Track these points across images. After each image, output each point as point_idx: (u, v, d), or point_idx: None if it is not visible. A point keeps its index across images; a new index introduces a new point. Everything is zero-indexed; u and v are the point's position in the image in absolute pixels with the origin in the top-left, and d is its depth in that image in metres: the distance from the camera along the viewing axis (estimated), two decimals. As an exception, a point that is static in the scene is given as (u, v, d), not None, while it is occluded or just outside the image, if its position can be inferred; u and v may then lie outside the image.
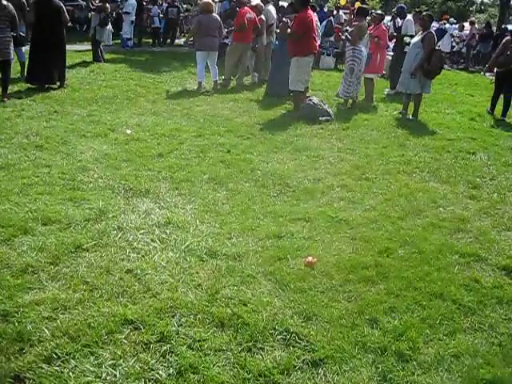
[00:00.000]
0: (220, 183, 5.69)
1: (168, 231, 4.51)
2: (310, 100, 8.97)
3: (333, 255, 4.25)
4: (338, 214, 5.05)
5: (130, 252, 4.14)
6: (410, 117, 9.68)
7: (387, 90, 12.17)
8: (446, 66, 17.92)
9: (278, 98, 10.37)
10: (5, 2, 8.67)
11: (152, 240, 4.35)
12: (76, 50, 16.16)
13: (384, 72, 12.37)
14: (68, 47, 16.63)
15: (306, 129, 8.30)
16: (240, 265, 4.00)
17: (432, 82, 9.79)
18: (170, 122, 8.25)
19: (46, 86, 10.24)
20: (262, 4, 12.11)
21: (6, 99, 8.90)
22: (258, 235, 4.51)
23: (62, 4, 10.35)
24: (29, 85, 10.30)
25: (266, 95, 10.96)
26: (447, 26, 21.58)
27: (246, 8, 11.56)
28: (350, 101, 10.26)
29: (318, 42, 12.97)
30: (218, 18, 11.50)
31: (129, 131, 7.52)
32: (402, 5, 15.36)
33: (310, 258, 4.07)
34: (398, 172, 6.60)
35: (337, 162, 6.76)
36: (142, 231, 4.49)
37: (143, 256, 4.09)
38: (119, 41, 19.00)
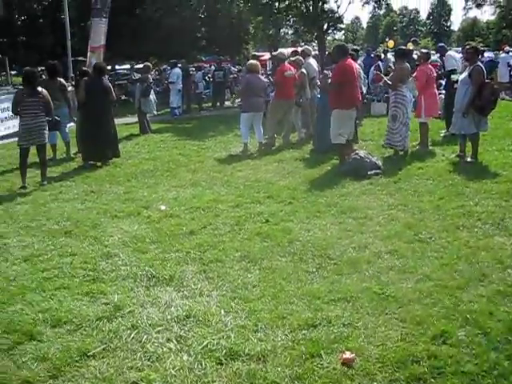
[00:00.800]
0: (253, 261, 5.12)
1: (187, 327, 3.97)
2: (357, 154, 8.37)
3: (376, 346, 3.56)
4: (385, 289, 4.36)
5: (140, 357, 3.61)
6: (469, 159, 8.86)
7: (443, 131, 11.39)
8: (506, 97, 16.99)
9: (325, 154, 9.83)
10: (39, 89, 8.70)
11: (168, 339, 3.82)
12: (125, 123, 16.37)
13: (440, 112, 11.67)
14: (119, 120, 17.02)
15: (354, 186, 7.67)
16: (264, 368, 3.38)
17: (489, 118, 9.01)
18: (208, 193, 7.83)
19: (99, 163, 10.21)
20: (301, 58, 11.78)
21: (45, 182, 8.81)
22: (290, 325, 3.88)
23: (109, 84, 10.45)
24: (74, 165, 10.31)
25: (313, 152, 10.47)
26: (502, 55, 20.62)
27: (285, 64, 11.25)
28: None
29: (365, 90, 12.47)
30: (264, 78, 11.27)
31: (163, 207, 7.14)
32: (442, 44, 14.79)
33: (347, 354, 3.40)
34: (457, 227, 5.83)
35: (386, 223, 6.07)
36: (159, 328, 3.96)
37: (154, 362, 3.55)
38: (169, 110, 19.18)
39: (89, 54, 18.78)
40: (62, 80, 11.11)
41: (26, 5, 31.95)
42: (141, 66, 18.43)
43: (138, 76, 15.33)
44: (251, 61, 11.61)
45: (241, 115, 11.04)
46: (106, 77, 11.02)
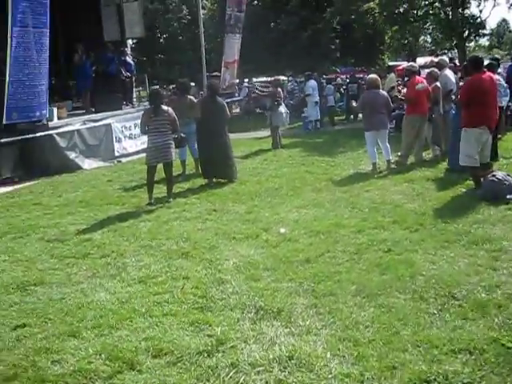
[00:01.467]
0: (369, 297, 4.72)
1: (288, 369, 3.68)
2: (494, 176, 7.61)
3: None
4: (517, 342, 3.80)
5: (236, 401, 3.40)
6: None
7: None
8: None
9: (460, 174, 9.09)
10: (164, 108, 8.89)
11: (266, 382, 3.57)
12: (257, 137, 16.51)
13: None
14: (250, 134, 17.19)
15: (489, 212, 6.95)
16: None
17: None
18: (331, 215, 7.50)
19: (215, 180, 10.29)
20: (436, 70, 11.08)
21: (171, 200, 8.99)
22: (400, 379, 3.47)
23: (224, 102, 10.53)
24: (201, 181, 10.46)
25: (447, 171, 9.76)
26: None
27: (417, 77, 10.65)
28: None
29: (505, 102, 11.46)
30: (385, 93, 10.75)
31: (282, 230, 6.92)
32: None
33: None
34: None
35: (526, 258, 5.39)
36: (259, 369, 3.72)
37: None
38: (301, 123, 19.11)
39: (223, 69, 19.25)
40: (191, 97, 11.35)
41: (167, 24, 33.72)
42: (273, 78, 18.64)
43: (268, 91, 15.36)
44: (371, 75, 11.15)
45: (364, 134, 10.61)
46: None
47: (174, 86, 18.86)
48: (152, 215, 8.21)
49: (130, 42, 34.67)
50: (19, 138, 11.79)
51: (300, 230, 6.86)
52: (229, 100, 20.23)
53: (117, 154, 14.63)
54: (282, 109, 14.67)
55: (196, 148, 11.37)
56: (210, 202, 8.88)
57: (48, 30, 11.66)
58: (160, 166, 9.14)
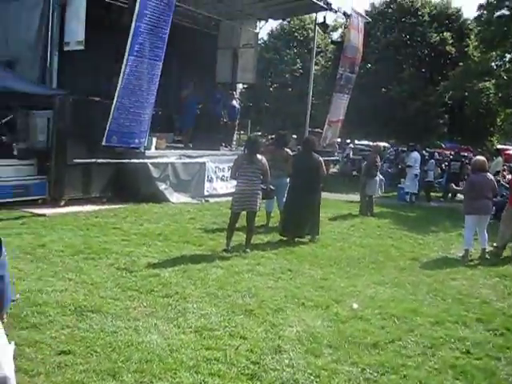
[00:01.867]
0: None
1: None
2: None
3: None
4: None
5: None
6: None
7: None
8: None
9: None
10: (259, 156, 8.75)
11: None
12: (349, 200, 16.13)
13: None
14: (342, 196, 16.85)
15: None
16: None
17: None
18: (410, 299, 6.95)
19: (296, 239, 10.00)
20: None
21: (248, 250, 8.75)
22: None
23: (321, 158, 10.26)
24: (277, 236, 10.20)
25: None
26: None
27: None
28: None
29: None
30: (493, 178, 10.12)
31: (355, 305, 6.46)
32: None
33: None
34: None
35: None
36: None
37: None
38: (396, 193, 18.55)
39: (326, 126, 19.13)
40: (288, 150, 11.21)
41: (279, 74, 34.31)
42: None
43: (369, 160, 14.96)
44: (479, 157, 10.54)
45: (465, 218, 9.97)
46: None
47: (272, 136, 18.86)
48: (225, 262, 7.99)
49: (240, 86, 35.85)
50: (115, 161, 12.03)
51: (374, 309, 6.37)
52: (327, 158, 20.01)
53: (206, 192, 14.69)
54: (377, 177, 14.23)
55: (284, 201, 11.16)
56: (286, 260, 8.56)
57: (161, 63, 11.98)
58: (243, 213, 8.97)
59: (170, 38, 17.10)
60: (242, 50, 20.43)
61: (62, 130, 11.65)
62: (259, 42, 39.06)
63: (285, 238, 10.05)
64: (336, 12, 18.45)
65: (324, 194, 17.08)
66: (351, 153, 26.51)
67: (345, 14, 18.62)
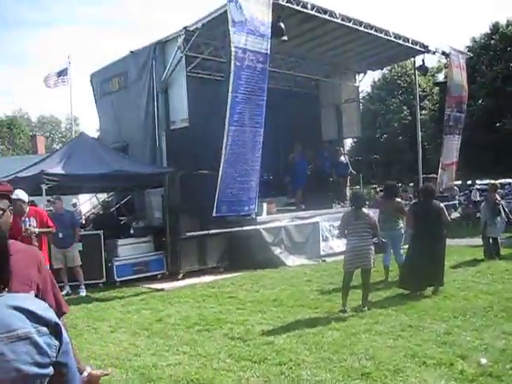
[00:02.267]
0: None
1: None
2: None
3: None
4: None
5: None
6: None
7: None
8: None
9: None
10: (365, 211, 8.54)
11: None
12: (471, 245, 15.20)
13: None
14: (462, 241, 15.91)
15: None
16: None
17: None
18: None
19: (418, 292, 9.46)
20: None
21: (365, 308, 8.38)
22: None
23: (442, 204, 9.78)
24: (400, 290, 9.70)
25: None
26: None
27: None
28: None
29: None
30: None
31: (484, 361, 5.86)
32: None
33: None
34: None
35: None
36: None
37: None
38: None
39: (440, 171, 18.44)
40: (398, 200, 10.84)
41: (387, 124, 33.85)
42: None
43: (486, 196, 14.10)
44: None
45: None
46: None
47: (381, 188, 18.45)
48: (342, 324, 7.67)
49: (350, 140, 35.88)
50: (227, 230, 12.23)
51: (505, 364, 5.75)
52: (446, 203, 19.16)
53: (322, 252, 14.49)
54: (499, 217, 13.29)
55: (402, 253, 10.68)
56: (407, 315, 8.06)
57: (262, 130, 12.19)
58: (358, 270, 8.66)
59: (274, 103, 17.65)
60: (345, 106, 20.45)
61: (173, 205, 12.10)
62: (362, 94, 39.44)
63: (406, 292, 9.54)
64: (434, 53, 18.04)
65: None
66: (472, 194, 25.21)
67: (443, 53, 18.16)
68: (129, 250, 11.96)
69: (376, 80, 37.78)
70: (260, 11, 11.79)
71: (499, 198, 13.75)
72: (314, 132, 20.58)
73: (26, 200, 8.26)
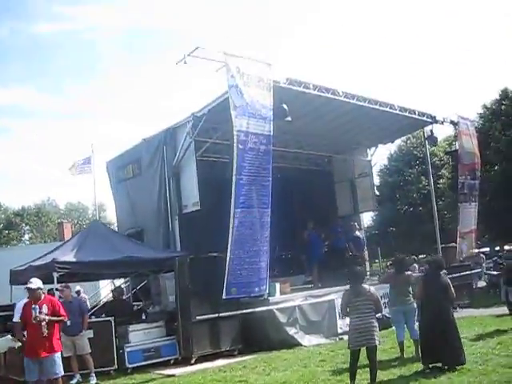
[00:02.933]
0: None
1: None
2: None
3: None
4: None
5: None
6: None
7: None
8: None
9: None
10: (366, 286, 8.41)
11: None
12: (496, 315, 14.75)
13: None
14: (487, 311, 15.43)
15: None
16: None
17: None
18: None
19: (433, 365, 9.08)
20: None
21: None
22: None
23: (449, 280, 9.62)
24: (418, 366, 9.35)
25: None
26: None
27: None
28: None
29: None
30: None
31: None
32: None
33: None
34: None
35: None
36: None
37: None
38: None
39: (458, 239, 18.22)
40: (409, 273, 10.69)
41: (406, 195, 33.78)
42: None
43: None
44: None
45: None
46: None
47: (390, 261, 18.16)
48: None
49: (371, 214, 35.72)
50: (238, 312, 12.12)
51: None
52: (469, 273, 18.78)
53: (340, 330, 14.08)
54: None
55: (416, 328, 10.40)
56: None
57: (269, 210, 12.28)
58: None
59: (288, 181, 17.90)
60: (359, 180, 20.57)
61: (183, 289, 12.03)
62: (379, 167, 39.65)
63: (420, 369, 9.18)
64: (442, 123, 18.21)
65: (469, 311, 15.68)
66: (496, 261, 24.63)
67: (452, 122, 18.35)
68: (140, 336, 11.83)
69: (392, 152, 38.07)
70: (261, 95, 12.14)
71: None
72: (329, 208, 20.65)
73: (42, 287, 8.40)
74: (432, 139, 18.62)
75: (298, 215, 19.48)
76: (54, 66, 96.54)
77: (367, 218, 31.61)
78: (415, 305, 10.48)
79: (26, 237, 59.72)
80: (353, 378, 8.27)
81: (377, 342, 8.28)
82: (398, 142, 37.13)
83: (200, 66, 11.99)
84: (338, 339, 13.71)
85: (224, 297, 11.65)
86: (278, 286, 13.70)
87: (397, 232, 34.13)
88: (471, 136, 18.73)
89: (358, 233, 17.86)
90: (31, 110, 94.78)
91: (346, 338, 13.53)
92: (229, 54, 11.88)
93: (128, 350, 11.59)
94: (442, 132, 28.84)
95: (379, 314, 8.52)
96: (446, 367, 9.06)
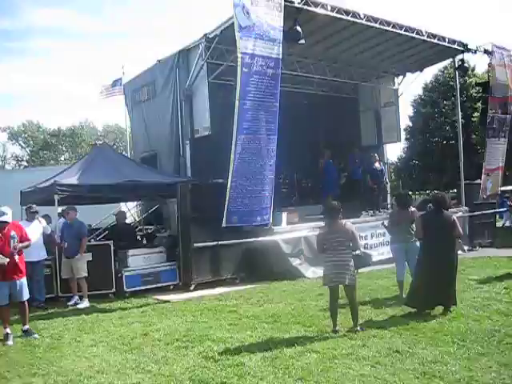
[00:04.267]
0: None
1: None
2: None
3: None
4: None
5: None
6: None
7: None
8: None
9: None
10: (342, 222, 7.95)
11: None
12: (508, 256, 14.19)
13: None
14: (506, 252, 14.88)
15: None
16: None
17: None
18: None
19: (425, 311, 8.72)
20: None
21: (358, 329, 7.74)
22: None
23: (454, 216, 9.04)
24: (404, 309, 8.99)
25: None
26: None
27: None
28: None
29: None
30: None
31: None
32: None
33: None
34: None
35: None
36: None
37: None
38: None
39: (483, 176, 17.43)
40: (413, 210, 10.15)
41: (439, 127, 32.52)
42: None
43: None
44: None
45: None
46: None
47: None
48: (325, 345, 7.09)
49: (402, 145, 34.57)
50: (237, 241, 11.92)
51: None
52: (492, 211, 18.09)
53: (349, 263, 13.81)
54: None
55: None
56: (401, 338, 7.38)
57: (276, 137, 11.77)
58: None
59: (313, 108, 17.28)
60: (385, 110, 19.71)
61: (184, 215, 11.86)
62: (414, 97, 38.14)
63: (413, 310, 8.85)
64: (475, 52, 17.00)
65: (490, 251, 15.04)
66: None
67: (486, 51, 17.08)
68: (139, 261, 11.81)
69: (428, 82, 36.38)
70: (270, 15, 11.37)
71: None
72: (353, 137, 20.00)
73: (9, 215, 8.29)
74: (462, 69, 17.50)
75: (322, 143, 18.99)
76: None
77: (397, 150, 30.70)
78: (418, 243, 10.00)
79: (63, 158, 60.70)
80: (334, 316, 7.94)
81: (348, 281, 7.83)
82: (435, 71, 35.53)
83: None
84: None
85: (224, 225, 11.39)
86: (284, 215, 13.40)
87: (429, 165, 33.02)
88: (506, 67, 17.46)
89: (377, 164, 17.17)
90: (72, 31, 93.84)
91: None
92: (236, -31, 11.07)
93: (126, 274, 11.60)
94: (484, 62, 27.23)
95: (357, 251, 8.03)
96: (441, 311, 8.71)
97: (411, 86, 20.25)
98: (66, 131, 58.53)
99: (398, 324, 8.12)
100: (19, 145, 62.50)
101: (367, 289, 10.80)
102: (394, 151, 58.03)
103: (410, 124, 37.69)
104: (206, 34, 13.85)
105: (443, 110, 33.27)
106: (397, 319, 8.51)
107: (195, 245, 11.64)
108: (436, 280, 8.61)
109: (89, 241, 11.87)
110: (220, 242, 11.70)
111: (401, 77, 19.56)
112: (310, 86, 18.65)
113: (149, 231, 14.92)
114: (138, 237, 14.10)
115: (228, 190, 11.27)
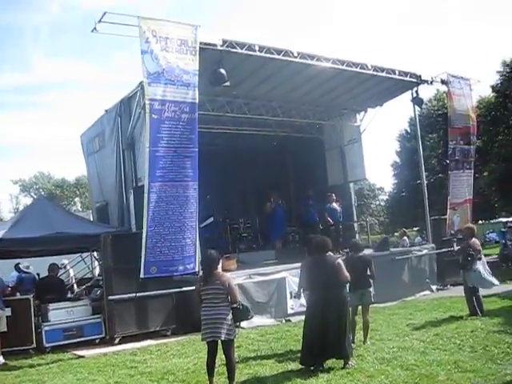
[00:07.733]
0: None
1: None
2: None
3: None
4: None
5: None
6: None
7: None
8: None
9: None
10: (219, 273, 7.45)
11: None
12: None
13: None
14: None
15: None
16: None
17: None
18: None
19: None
20: None
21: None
22: None
23: (339, 260, 8.57)
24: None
25: None
26: None
27: None
28: None
29: None
30: None
31: None
32: None
33: None
34: None
35: None
36: None
37: None
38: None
39: (449, 211, 16.85)
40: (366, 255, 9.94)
41: (426, 162, 31.90)
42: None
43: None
44: None
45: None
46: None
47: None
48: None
49: (392, 181, 33.74)
50: (155, 292, 11.61)
51: None
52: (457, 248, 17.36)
53: (290, 311, 13.17)
54: (480, 266, 11.58)
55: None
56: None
57: (196, 183, 11.46)
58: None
59: (282, 152, 16.97)
60: (348, 147, 19.33)
61: (106, 266, 11.60)
62: (400, 132, 37.90)
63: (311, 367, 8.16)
64: (431, 83, 16.62)
65: (459, 290, 14.01)
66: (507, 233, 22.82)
67: (442, 81, 16.70)
68: (62, 315, 11.46)
69: (413, 116, 35.82)
70: (183, 60, 11.19)
71: (475, 244, 11.84)
72: (320, 178, 19.66)
73: None
74: (417, 101, 17.04)
75: (293, 186, 18.79)
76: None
77: (388, 186, 30.05)
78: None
79: (74, 208, 61.24)
80: (210, 374, 7.35)
81: (224, 337, 7.12)
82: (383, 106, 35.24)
83: (117, 31, 11.11)
84: (284, 321, 12.92)
85: (142, 276, 11.03)
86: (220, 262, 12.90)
87: (417, 200, 32.13)
88: (465, 97, 17.02)
89: (334, 204, 16.73)
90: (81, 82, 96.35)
91: (296, 319, 12.74)
92: (144, 17, 11.00)
93: (46, 328, 11.27)
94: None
95: (236, 304, 7.42)
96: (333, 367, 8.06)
97: (374, 122, 20.02)
98: (70, 181, 59.37)
99: (285, 381, 7.58)
100: (31, 196, 63.47)
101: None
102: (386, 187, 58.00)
103: (398, 159, 37.31)
104: (141, 82, 13.76)
105: (427, 144, 32.61)
106: (284, 375, 7.92)
107: (117, 296, 11.27)
108: (322, 331, 8.03)
109: (13, 295, 11.66)
110: (141, 294, 11.32)
111: (362, 113, 19.17)
112: (269, 128, 18.43)
113: (87, 284, 14.59)
114: (76, 289, 13.79)
115: (144, 239, 10.93)
